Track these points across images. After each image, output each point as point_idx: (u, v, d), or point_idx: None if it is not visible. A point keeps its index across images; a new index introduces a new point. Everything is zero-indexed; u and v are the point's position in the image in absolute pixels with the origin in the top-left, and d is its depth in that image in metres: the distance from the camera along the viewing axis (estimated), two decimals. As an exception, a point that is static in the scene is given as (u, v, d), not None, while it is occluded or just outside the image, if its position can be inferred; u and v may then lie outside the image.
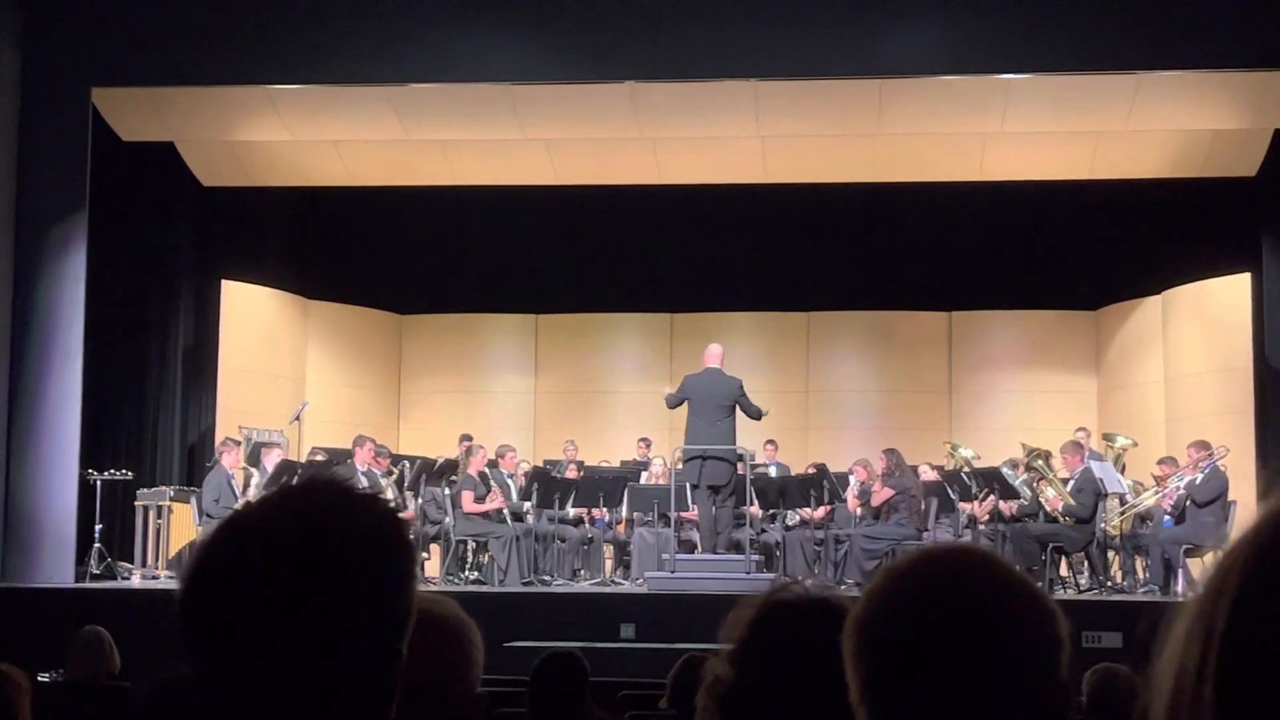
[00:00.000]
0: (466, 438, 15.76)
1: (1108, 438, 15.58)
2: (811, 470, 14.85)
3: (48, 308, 14.10)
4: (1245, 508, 14.32)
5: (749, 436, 14.00)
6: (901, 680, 1.43)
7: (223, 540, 1.38)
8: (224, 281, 16.82)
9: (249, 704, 1.33)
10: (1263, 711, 0.91)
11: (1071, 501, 13.47)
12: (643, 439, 17.00)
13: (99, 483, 14.22)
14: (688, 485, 13.90)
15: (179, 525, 14.48)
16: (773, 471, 15.52)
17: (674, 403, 13.79)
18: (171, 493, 14.63)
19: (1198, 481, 13.36)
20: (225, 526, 1.40)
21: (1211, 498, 13.23)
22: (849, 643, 1.48)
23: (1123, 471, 14.84)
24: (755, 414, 13.61)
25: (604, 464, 16.46)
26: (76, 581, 13.48)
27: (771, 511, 14.66)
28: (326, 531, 1.36)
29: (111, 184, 14.83)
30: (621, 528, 15.19)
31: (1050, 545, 13.46)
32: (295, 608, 1.32)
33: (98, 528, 14.04)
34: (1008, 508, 14.06)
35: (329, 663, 1.33)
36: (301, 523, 1.37)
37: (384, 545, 1.39)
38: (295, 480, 1.47)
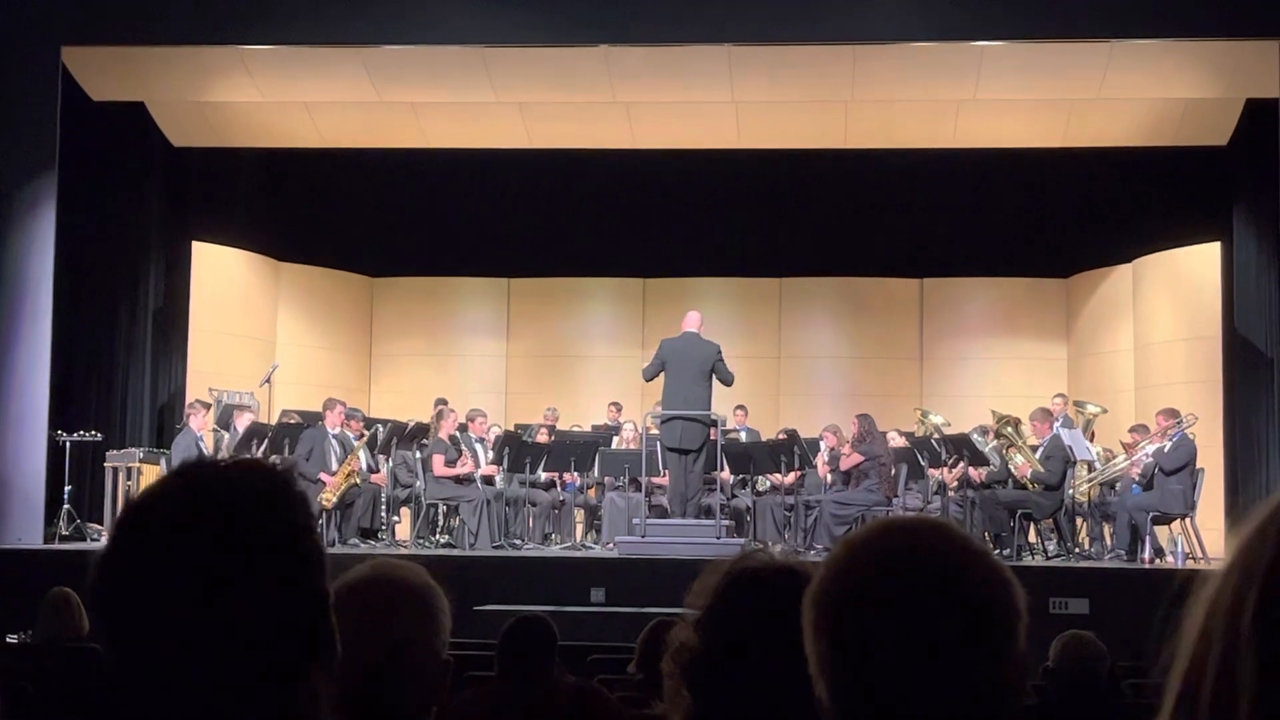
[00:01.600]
0: (441, 402, 15.77)
1: (1078, 405, 15.66)
2: (782, 436, 14.88)
3: (16, 268, 14.02)
4: (1213, 476, 14.43)
5: (719, 402, 14.00)
6: (859, 652, 1.43)
7: (122, 528, 1.43)
8: (194, 243, 16.75)
9: (168, 680, 1.37)
10: None
11: (1040, 468, 13.53)
12: (613, 403, 17.01)
13: (68, 444, 14.17)
14: (659, 449, 13.93)
15: (149, 487, 14.42)
16: (743, 437, 15.55)
17: (651, 374, 13.76)
18: (141, 454, 14.58)
19: (1166, 449, 13.42)
20: (122, 515, 1.45)
21: (1179, 465, 13.29)
22: (808, 614, 1.48)
23: (1092, 439, 14.91)
24: (728, 380, 13.62)
25: (575, 428, 16.47)
26: (45, 543, 13.45)
27: (742, 477, 14.70)
28: (214, 501, 1.41)
29: (81, 144, 14.73)
30: (592, 492, 15.20)
31: (1019, 512, 13.53)
32: (199, 578, 1.37)
33: (67, 489, 14.00)
34: (977, 474, 14.12)
35: (241, 621, 1.37)
36: (191, 499, 1.41)
37: (271, 502, 1.42)
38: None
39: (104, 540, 1.45)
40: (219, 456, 14.05)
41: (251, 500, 1.41)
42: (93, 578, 1.40)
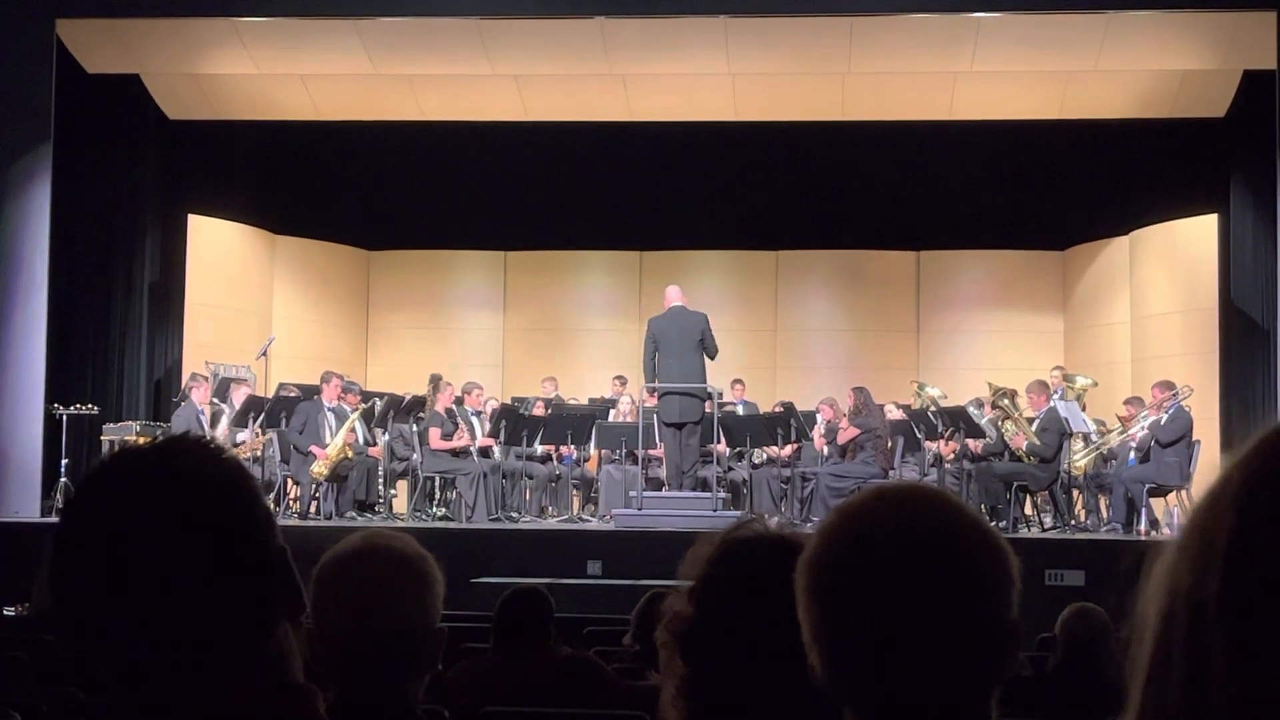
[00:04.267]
0: (436, 379, 15.80)
1: (1067, 378, 15.64)
2: (778, 409, 14.88)
3: (12, 242, 14.01)
4: (1209, 447, 14.44)
5: (716, 374, 14.00)
6: (852, 620, 1.43)
7: (71, 510, 1.45)
8: (190, 216, 16.71)
9: (131, 652, 1.39)
10: (1273, 622, 0.92)
11: (1036, 441, 13.54)
12: (618, 376, 16.96)
13: (64, 417, 14.17)
14: (655, 422, 13.93)
15: (145, 460, 14.38)
16: (740, 411, 15.55)
17: (651, 356, 13.66)
18: (138, 427, 14.56)
19: (1162, 421, 13.44)
20: (71, 498, 1.46)
21: (1175, 438, 13.31)
22: (800, 582, 1.48)
23: (1083, 411, 14.92)
24: (714, 352, 13.57)
25: (573, 401, 16.46)
26: (42, 516, 13.46)
27: (738, 450, 14.70)
28: (154, 476, 1.43)
29: (76, 117, 14.71)
30: (589, 465, 15.21)
31: (1015, 484, 13.55)
32: (149, 551, 1.38)
33: (63, 462, 14.00)
34: (973, 446, 14.13)
35: (197, 588, 1.39)
36: (131, 477, 1.43)
37: (207, 471, 1.44)
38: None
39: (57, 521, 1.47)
40: (210, 433, 14.09)
41: (188, 471, 1.43)
42: (50, 553, 1.42)
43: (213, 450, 1.47)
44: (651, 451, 14.29)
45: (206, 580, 1.38)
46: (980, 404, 14.62)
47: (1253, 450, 0.98)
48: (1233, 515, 0.95)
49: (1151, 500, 13.31)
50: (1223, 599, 0.94)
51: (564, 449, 15.07)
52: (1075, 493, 14.25)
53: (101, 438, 14.49)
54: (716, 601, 1.87)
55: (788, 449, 14.40)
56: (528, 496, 14.89)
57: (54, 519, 13.26)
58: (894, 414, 14.94)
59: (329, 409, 14.11)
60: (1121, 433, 14.15)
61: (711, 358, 13.60)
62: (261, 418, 14.08)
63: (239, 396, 14.59)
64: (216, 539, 1.40)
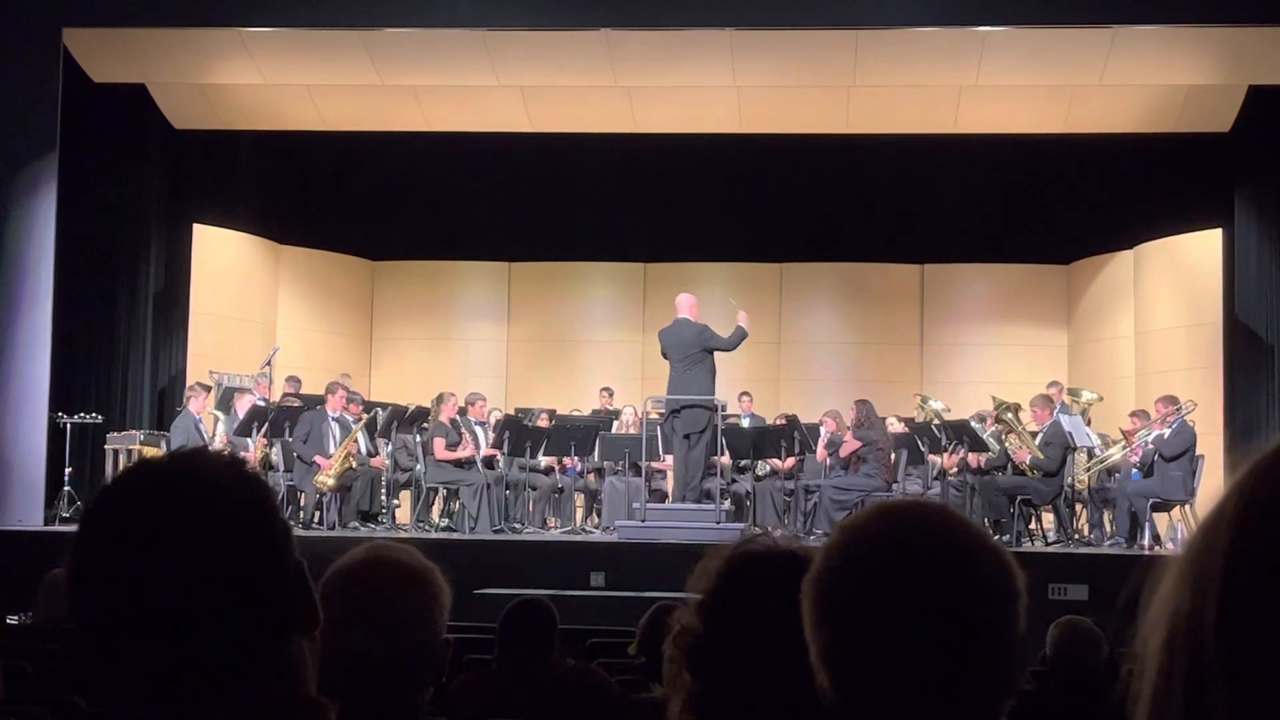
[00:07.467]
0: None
1: (1072, 393, 15.61)
2: (782, 421, 14.87)
3: (17, 250, 14.01)
4: (1213, 462, 14.43)
5: (721, 388, 13.95)
6: (860, 638, 1.43)
7: (90, 519, 1.45)
8: (195, 225, 16.73)
9: (149, 660, 1.39)
10: (1270, 647, 0.91)
11: (1039, 454, 13.53)
12: (605, 389, 16.94)
13: (68, 426, 14.18)
14: (659, 434, 13.91)
15: (149, 469, 14.37)
16: (746, 423, 15.52)
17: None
18: (141, 436, 14.57)
19: (1165, 436, 13.43)
20: (90, 506, 1.47)
21: (1179, 452, 13.29)
22: (807, 602, 1.48)
23: (1087, 425, 14.90)
24: (731, 344, 13.43)
25: (575, 413, 16.45)
26: (46, 525, 13.45)
27: (742, 463, 14.68)
28: (175, 488, 1.43)
29: (82, 126, 14.72)
30: (592, 477, 15.19)
31: (1018, 498, 13.53)
32: (169, 562, 1.38)
33: (67, 471, 14.01)
34: (976, 460, 14.11)
35: (216, 599, 1.39)
36: (153, 488, 1.43)
37: (228, 485, 1.44)
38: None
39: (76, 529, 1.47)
40: (210, 443, 14.08)
41: (209, 484, 1.43)
42: (69, 566, 1.42)
43: (232, 463, 1.47)
44: (655, 464, 14.26)
45: (224, 593, 1.38)
46: (983, 418, 14.60)
47: (1247, 474, 0.97)
48: (1229, 539, 0.95)
49: (1155, 515, 13.30)
50: (1220, 622, 0.93)
51: (567, 460, 15.05)
52: (1079, 507, 14.24)
53: (105, 447, 14.50)
54: (725, 616, 1.87)
55: (790, 461, 14.38)
56: (530, 508, 14.88)
57: (57, 528, 13.29)
58: (897, 427, 14.92)
59: (333, 419, 14.10)
60: (1125, 447, 14.13)
61: (729, 348, 13.43)
62: (266, 427, 14.08)
63: (243, 406, 14.59)
64: (234, 552, 1.39)
